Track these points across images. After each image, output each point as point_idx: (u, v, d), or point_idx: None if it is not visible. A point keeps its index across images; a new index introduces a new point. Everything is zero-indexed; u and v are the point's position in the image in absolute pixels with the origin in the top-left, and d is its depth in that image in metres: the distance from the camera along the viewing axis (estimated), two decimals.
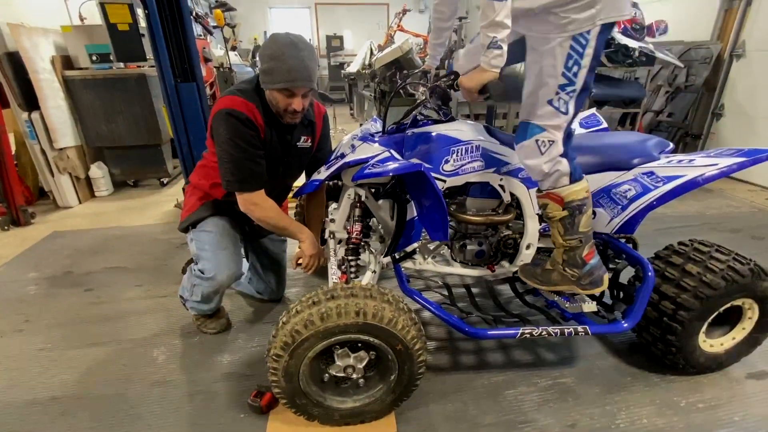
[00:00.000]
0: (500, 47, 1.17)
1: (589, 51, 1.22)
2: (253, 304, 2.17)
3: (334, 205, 2.12)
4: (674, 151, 1.78)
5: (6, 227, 3.28)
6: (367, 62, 5.87)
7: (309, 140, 1.75)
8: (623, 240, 1.72)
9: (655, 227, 3.05)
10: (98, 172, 3.95)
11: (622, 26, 3.93)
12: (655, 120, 4.67)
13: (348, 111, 9.01)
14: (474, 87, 1.24)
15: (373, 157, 1.44)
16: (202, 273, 1.69)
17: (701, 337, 1.59)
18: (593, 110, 2.26)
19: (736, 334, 1.65)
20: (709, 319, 1.54)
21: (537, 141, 1.35)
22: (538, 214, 1.69)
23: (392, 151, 1.49)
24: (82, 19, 4.10)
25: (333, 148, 1.81)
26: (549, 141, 1.35)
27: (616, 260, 1.75)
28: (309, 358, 1.26)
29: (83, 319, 2.09)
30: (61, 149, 3.61)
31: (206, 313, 1.88)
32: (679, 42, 4.55)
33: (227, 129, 1.50)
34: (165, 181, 4.31)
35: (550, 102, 1.29)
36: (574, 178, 1.40)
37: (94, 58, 3.65)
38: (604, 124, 2.14)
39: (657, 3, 4.84)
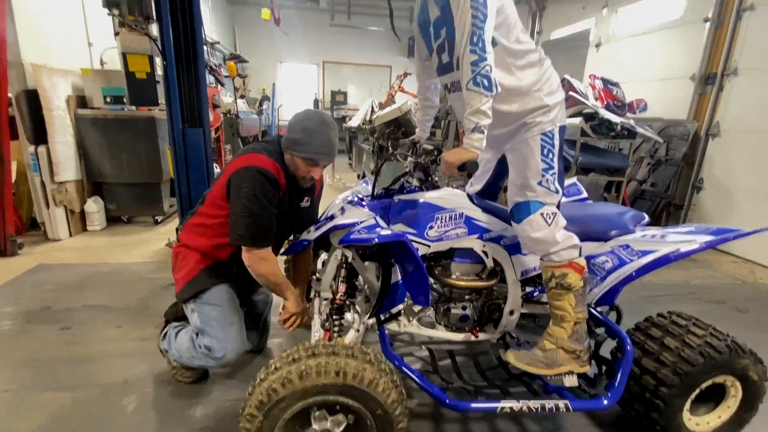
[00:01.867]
0: (482, 131, 1.33)
1: (556, 143, 1.51)
2: None
3: (322, 257, 2.16)
4: (652, 223, 1.88)
5: None
6: (367, 118, 6.19)
7: (309, 201, 1.83)
8: (605, 311, 1.75)
9: (641, 294, 3.09)
10: (94, 206, 3.99)
11: (605, 102, 4.26)
12: (639, 189, 4.88)
13: (347, 161, 9.31)
14: (455, 163, 1.36)
15: (359, 222, 1.51)
16: (210, 350, 1.64)
17: (686, 415, 1.57)
18: (574, 179, 2.40)
19: (722, 413, 1.64)
20: (692, 397, 1.53)
21: (542, 214, 1.48)
22: (521, 280, 1.73)
23: (378, 218, 1.56)
24: (102, 64, 4.36)
25: (324, 209, 1.88)
26: (552, 213, 1.50)
27: (597, 332, 1.77)
28: (284, 419, 1.23)
29: (56, 359, 2.03)
30: (61, 183, 3.68)
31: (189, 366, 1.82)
32: (659, 119, 4.89)
33: (253, 185, 1.52)
34: (159, 219, 4.34)
35: (539, 183, 1.48)
36: (581, 252, 1.49)
37: (107, 99, 3.84)
38: (585, 194, 2.26)
39: (637, 83, 5.26)
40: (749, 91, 4.11)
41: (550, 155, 1.49)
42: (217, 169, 4.22)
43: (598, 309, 1.70)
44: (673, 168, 4.65)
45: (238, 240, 1.58)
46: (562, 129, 1.54)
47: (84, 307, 2.54)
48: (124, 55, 3.00)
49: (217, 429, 1.63)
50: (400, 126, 5.03)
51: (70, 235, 3.83)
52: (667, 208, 4.86)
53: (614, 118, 3.90)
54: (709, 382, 1.52)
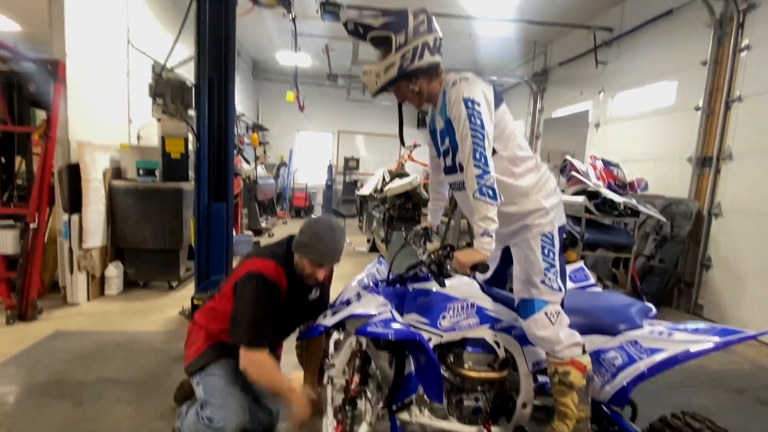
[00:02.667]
0: (491, 236, 1.45)
1: (556, 243, 1.63)
2: None
3: (335, 336, 2.19)
4: (664, 300, 1.92)
5: (11, 321, 3.33)
6: (379, 187, 6.49)
7: (317, 292, 1.94)
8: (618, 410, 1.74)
9: (657, 382, 2.94)
10: (114, 271, 4.13)
11: (607, 182, 4.46)
12: (647, 265, 4.90)
13: (357, 223, 9.54)
14: (467, 263, 1.47)
15: (376, 315, 1.59)
16: (211, 421, 1.69)
17: None
18: (581, 263, 2.48)
19: None
20: None
21: (546, 313, 1.57)
22: (533, 372, 1.76)
23: (393, 311, 1.64)
24: (138, 139, 4.76)
25: (340, 292, 1.96)
26: (556, 312, 1.59)
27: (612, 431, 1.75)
28: None
29: None
30: (87, 249, 3.86)
31: None
32: (661, 196, 5.04)
33: (254, 289, 1.66)
34: (174, 285, 4.44)
35: (542, 282, 1.58)
36: (584, 349, 1.54)
37: (141, 171, 4.15)
38: (592, 280, 2.33)
39: (637, 162, 5.52)
40: (745, 175, 4.29)
41: (551, 255, 1.60)
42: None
43: (612, 407, 1.70)
44: (679, 245, 4.71)
45: (236, 339, 1.68)
46: (561, 229, 1.67)
47: (97, 380, 2.56)
48: (163, 139, 3.33)
49: None
50: (410, 198, 5.26)
51: (88, 299, 3.93)
52: (677, 285, 4.83)
53: (617, 198, 4.06)
54: None
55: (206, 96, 3.35)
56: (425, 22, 1.54)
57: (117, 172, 4.22)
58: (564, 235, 1.69)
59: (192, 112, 3.47)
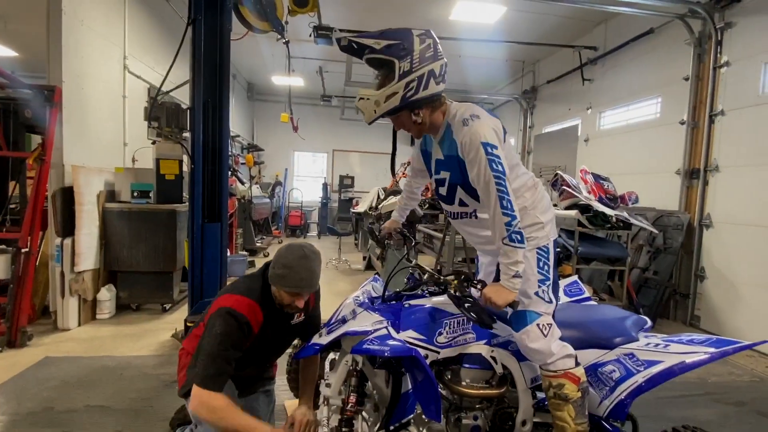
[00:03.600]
0: (520, 276, 1.46)
1: (551, 256, 1.63)
2: None
3: (330, 356, 2.16)
4: (661, 312, 1.93)
5: (0, 349, 3.25)
6: (373, 204, 6.52)
7: (302, 316, 1.88)
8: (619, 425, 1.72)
9: (657, 395, 2.96)
10: (106, 294, 4.07)
11: (598, 195, 4.52)
12: (642, 277, 4.92)
13: (353, 241, 9.52)
14: (500, 302, 1.43)
15: (372, 332, 1.58)
16: None
17: None
18: (575, 278, 2.49)
19: None
20: None
21: (538, 325, 1.56)
22: (531, 387, 1.74)
23: (389, 327, 1.62)
24: (133, 161, 4.78)
25: (335, 310, 1.94)
26: (548, 324, 1.58)
27: None
28: None
29: None
30: (79, 272, 3.82)
31: None
32: (652, 209, 5.11)
33: (221, 326, 1.59)
34: (168, 307, 4.38)
35: (536, 294, 1.58)
36: (577, 361, 1.53)
37: (135, 194, 4.15)
38: (586, 293, 2.34)
39: (627, 175, 5.61)
40: (733, 186, 4.38)
41: (546, 267, 1.62)
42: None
43: (611, 421, 1.68)
44: (673, 256, 4.75)
45: (190, 375, 1.61)
46: (555, 242, 1.69)
47: (86, 408, 2.49)
48: (157, 161, 3.35)
49: None
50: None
51: (79, 323, 3.86)
52: (673, 297, 4.85)
53: (608, 211, 4.11)
54: None
55: (201, 119, 3.39)
56: (431, 47, 1.43)
57: (111, 195, 4.22)
58: (558, 249, 1.71)
59: (187, 135, 3.50)
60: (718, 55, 4.54)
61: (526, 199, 1.66)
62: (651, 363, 1.61)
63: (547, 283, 1.60)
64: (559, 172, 4.63)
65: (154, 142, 3.38)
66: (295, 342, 2.09)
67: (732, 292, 4.32)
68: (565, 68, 7.23)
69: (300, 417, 1.70)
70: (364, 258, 7.22)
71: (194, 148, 3.40)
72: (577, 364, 1.58)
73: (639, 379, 1.57)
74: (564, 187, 4.35)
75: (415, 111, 1.50)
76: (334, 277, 6.43)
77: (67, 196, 3.77)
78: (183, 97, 3.69)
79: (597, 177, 4.62)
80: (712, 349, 1.58)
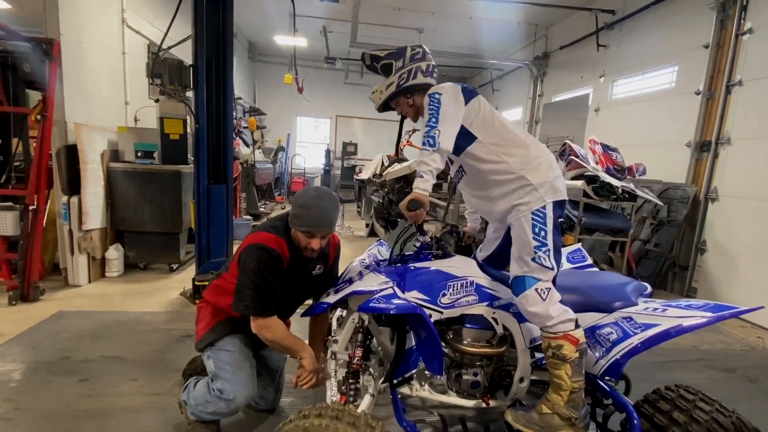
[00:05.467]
0: (422, 176, 1.60)
1: (549, 221, 1.63)
2: (247, 412, 2.15)
3: (337, 314, 2.24)
4: (659, 283, 1.97)
5: (14, 302, 3.35)
6: (377, 171, 6.47)
7: (321, 268, 1.95)
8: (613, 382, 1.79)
9: (651, 359, 3.08)
10: (114, 253, 4.14)
11: (605, 166, 4.47)
12: (643, 249, 4.96)
13: (356, 208, 9.55)
14: (403, 205, 1.62)
15: (378, 291, 1.62)
16: (221, 393, 1.74)
17: None
18: (579, 245, 2.51)
19: None
20: None
21: (537, 290, 1.59)
22: (530, 347, 1.80)
23: (395, 287, 1.66)
24: (135, 121, 4.72)
25: (342, 271, 2.00)
26: (546, 288, 1.61)
27: (606, 403, 1.80)
28: None
29: (74, 412, 2.07)
30: (87, 231, 3.87)
31: (205, 419, 1.87)
32: (658, 181, 5.07)
33: (256, 260, 1.69)
34: (174, 267, 4.47)
35: (533, 260, 1.60)
36: (577, 324, 1.57)
37: (139, 153, 4.13)
38: (589, 260, 2.37)
39: (636, 147, 5.53)
40: (743, 160, 4.32)
41: (542, 233, 1.62)
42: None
43: (606, 379, 1.75)
44: (675, 229, 4.76)
45: (243, 310, 1.71)
46: (557, 204, 1.67)
47: (101, 358, 2.60)
48: (161, 119, 3.30)
49: None
50: (409, 182, 5.27)
51: (89, 281, 3.95)
52: (672, 269, 4.90)
53: (615, 182, 4.08)
54: None
55: (204, 77, 3.31)
56: (420, 53, 1.87)
57: (114, 155, 4.20)
58: (561, 214, 1.70)
59: (190, 94, 3.43)
60: (742, 21, 4.34)
61: (515, 158, 1.68)
62: (648, 326, 1.65)
63: (545, 249, 1.60)
64: (567, 141, 4.56)
65: (157, 100, 3.32)
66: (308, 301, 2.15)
67: (731, 264, 4.36)
68: (579, 33, 6.94)
69: (307, 366, 1.77)
70: (367, 225, 7.26)
71: (198, 107, 3.34)
72: (577, 326, 1.62)
73: (635, 341, 1.62)
74: (572, 157, 4.30)
75: (407, 96, 1.87)
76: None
77: (71, 154, 3.75)
78: (184, 56, 3.57)
79: (606, 147, 4.55)
80: (710, 314, 1.61)
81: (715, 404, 1.63)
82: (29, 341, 2.79)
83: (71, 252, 3.82)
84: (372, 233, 6.95)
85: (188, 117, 3.50)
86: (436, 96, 1.69)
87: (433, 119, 1.63)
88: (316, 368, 1.80)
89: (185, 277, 4.18)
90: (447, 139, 1.63)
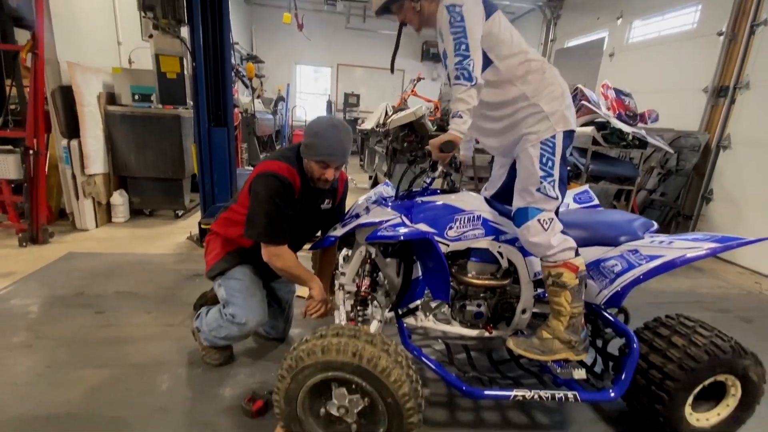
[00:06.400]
0: (461, 117, 1.49)
1: (557, 150, 1.58)
2: (258, 341, 2.25)
3: (344, 252, 2.27)
4: (659, 231, 1.97)
5: (24, 244, 3.41)
6: (381, 121, 6.30)
7: (330, 203, 1.95)
8: (613, 312, 1.84)
9: (648, 300, 3.16)
10: (119, 199, 4.15)
11: (617, 112, 4.33)
12: (648, 198, 4.93)
13: (358, 162, 9.44)
14: (436, 144, 1.54)
15: (386, 221, 1.62)
16: (234, 317, 1.80)
17: (687, 409, 1.65)
18: (586, 186, 2.48)
19: (721, 410, 1.72)
20: (694, 392, 1.61)
21: (539, 220, 1.58)
22: (534, 281, 1.83)
23: (403, 217, 1.66)
24: (130, 63, 4.53)
25: (348, 209, 1.99)
26: (549, 219, 1.59)
27: (606, 331, 1.86)
28: (308, 386, 1.36)
29: (91, 340, 2.17)
30: (90, 175, 3.85)
31: (218, 345, 1.95)
32: (670, 129, 4.93)
33: (268, 188, 1.67)
34: (180, 213, 4.50)
35: (538, 190, 1.58)
36: (577, 252, 1.58)
37: (136, 97, 4.01)
38: (596, 201, 2.35)
39: (650, 93, 5.32)
40: (760, 105, 4.16)
41: (549, 163, 1.58)
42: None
43: (608, 310, 1.79)
44: (683, 178, 4.70)
45: (255, 237, 1.72)
46: (567, 134, 1.60)
47: (114, 294, 2.69)
48: (157, 56, 3.16)
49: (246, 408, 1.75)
50: (414, 130, 5.14)
51: (97, 225, 4.00)
52: (676, 218, 4.90)
53: (626, 128, 3.97)
54: (711, 380, 1.61)
55: (199, 9, 3.13)
56: None
57: (111, 98, 4.07)
58: (569, 144, 1.62)
59: (185, 32, 3.26)
60: None
61: (530, 85, 1.59)
62: (653, 257, 1.66)
63: (550, 179, 1.57)
64: (579, 86, 4.38)
65: (150, 36, 3.15)
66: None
67: (736, 213, 4.35)
68: None
69: (316, 296, 1.82)
70: (370, 177, 7.20)
71: (194, 44, 3.19)
72: (577, 254, 1.61)
73: (637, 272, 1.64)
74: (583, 102, 4.15)
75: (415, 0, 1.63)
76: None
77: (67, 95, 3.64)
78: None
79: (619, 92, 4.38)
80: (715, 245, 1.62)
81: (714, 330, 1.69)
82: (43, 278, 2.86)
83: (76, 197, 3.82)
84: (375, 185, 6.90)
85: (185, 58, 3.35)
86: (458, 10, 1.47)
87: (463, 46, 1.46)
88: (324, 298, 1.85)
89: (191, 223, 4.22)
90: (479, 70, 1.48)
